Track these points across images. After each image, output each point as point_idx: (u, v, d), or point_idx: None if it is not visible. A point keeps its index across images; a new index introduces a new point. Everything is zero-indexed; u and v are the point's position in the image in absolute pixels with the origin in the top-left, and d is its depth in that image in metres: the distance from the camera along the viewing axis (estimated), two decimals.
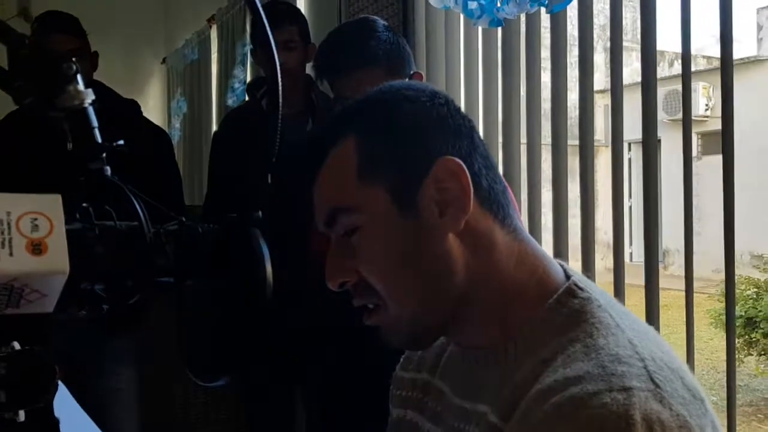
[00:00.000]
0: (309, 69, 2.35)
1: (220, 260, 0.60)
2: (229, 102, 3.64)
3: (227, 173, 2.28)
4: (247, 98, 3.67)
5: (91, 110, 0.58)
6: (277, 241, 0.64)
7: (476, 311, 0.68)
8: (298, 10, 2.40)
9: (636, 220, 7.03)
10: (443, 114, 0.70)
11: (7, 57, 0.55)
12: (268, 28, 0.62)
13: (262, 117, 2.27)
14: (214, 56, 4.31)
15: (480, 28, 1.77)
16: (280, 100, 0.60)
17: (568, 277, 0.69)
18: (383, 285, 0.67)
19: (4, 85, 0.55)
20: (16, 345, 1.04)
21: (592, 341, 0.61)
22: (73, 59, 0.56)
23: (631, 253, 7.79)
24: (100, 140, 0.57)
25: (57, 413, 0.72)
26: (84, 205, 0.58)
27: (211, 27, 4.34)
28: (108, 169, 0.58)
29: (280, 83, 0.60)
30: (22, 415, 1.01)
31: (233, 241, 0.60)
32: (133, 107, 2.23)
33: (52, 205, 0.53)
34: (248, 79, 3.64)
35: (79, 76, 0.57)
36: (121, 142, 0.58)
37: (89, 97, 0.57)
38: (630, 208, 7.16)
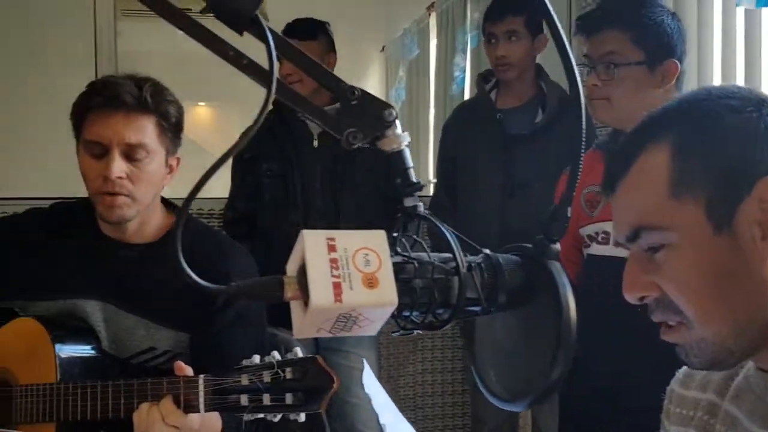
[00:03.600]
0: (539, 59, 2.32)
1: (522, 293, 0.62)
2: (452, 91, 3.70)
3: (454, 163, 2.36)
4: (465, 86, 3.73)
5: (406, 151, 0.63)
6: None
7: None
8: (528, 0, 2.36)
9: None
10: None
11: (340, 105, 0.62)
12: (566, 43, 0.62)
13: (492, 110, 2.30)
14: (433, 44, 4.40)
15: (742, 9, 1.63)
16: (584, 123, 0.60)
17: None
18: (691, 306, 0.65)
19: (336, 131, 0.61)
20: (299, 351, 1.17)
21: None
22: (392, 109, 0.61)
23: None
24: (414, 180, 0.62)
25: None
26: (395, 235, 0.63)
27: (430, 15, 4.44)
28: (421, 206, 0.63)
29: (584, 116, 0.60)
30: (302, 417, 1.14)
31: (534, 274, 0.62)
32: None
33: (379, 240, 0.59)
34: (468, 67, 3.68)
35: (397, 121, 0.62)
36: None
37: (405, 140, 0.63)
38: None
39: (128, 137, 1.33)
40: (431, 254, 0.61)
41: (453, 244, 0.60)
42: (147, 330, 1.42)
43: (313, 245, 0.58)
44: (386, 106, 0.62)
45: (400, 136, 0.62)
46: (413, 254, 0.61)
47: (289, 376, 1.13)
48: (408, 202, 0.63)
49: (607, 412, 1.37)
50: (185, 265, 0.55)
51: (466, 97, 3.62)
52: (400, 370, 2.67)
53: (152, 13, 0.59)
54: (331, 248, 0.58)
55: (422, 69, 4.54)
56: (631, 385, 1.30)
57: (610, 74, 1.39)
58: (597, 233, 1.48)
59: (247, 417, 1.16)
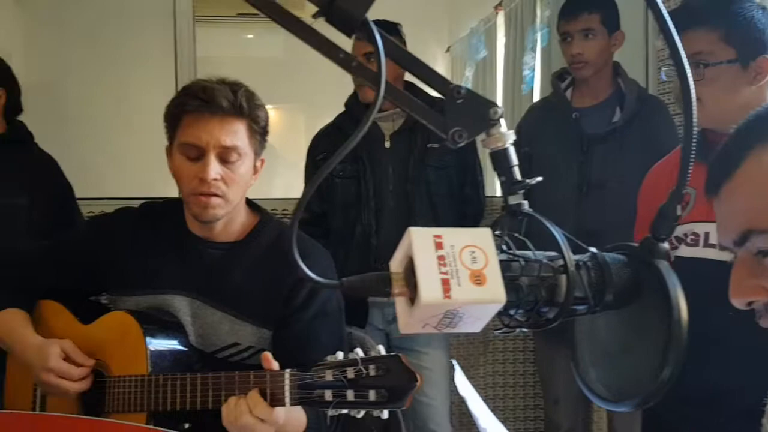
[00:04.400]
0: (617, 56, 2.28)
1: (629, 293, 0.61)
2: (522, 91, 3.66)
3: (529, 164, 2.33)
4: (535, 86, 3.69)
5: (511, 149, 0.63)
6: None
7: None
8: None
9: None
10: None
11: (445, 105, 0.63)
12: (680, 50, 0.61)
13: (567, 109, 2.27)
14: (501, 43, 4.37)
15: None
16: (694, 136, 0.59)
17: None
18: None
19: (441, 130, 0.62)
20: (381, 349, 1.18)
21: None
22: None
23: None
24: (519, 177, 0.62)
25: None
26: (497, 233, 0.64)
27: (497, 14, 4.40)
28: (526, 204, 0.63)
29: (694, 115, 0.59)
30: (385, 414, 1.15)
31: (641, 273, 0.62)
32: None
33: (484, 238, 0.60)
34: (538, 66, 3.64)
35: (502, 120, 0.62)
36: (540, 178, 0.63)
37: (510, 138, 0.63)
38: None
39: (224, 140, 1.37)
40: (537, 252, 0.61)
41: (561, 242, 0.60)
42: (231, 325, 1.46)
43: (420, 242, 0.58)
44: (491, 104, 0.62)
45: (505, 134, 0.63)
46: (518, 252, 0.61)
47: (372, 373, 1.15)
48: (512, 200, 0.63)
49: (699, 418, 1.33)
50: (303, 266, 0.58)
51: (536, 96, 3.58)
52: (471, 371, 2.66)
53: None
54: (438, 245, 0.59)
55: (489, 68, 4.51)
56: (725, 389, 1.26)
57: (700, 74, 1.35)
58: (686, 235, 1.44)
59: (331, 412, 1.18)
